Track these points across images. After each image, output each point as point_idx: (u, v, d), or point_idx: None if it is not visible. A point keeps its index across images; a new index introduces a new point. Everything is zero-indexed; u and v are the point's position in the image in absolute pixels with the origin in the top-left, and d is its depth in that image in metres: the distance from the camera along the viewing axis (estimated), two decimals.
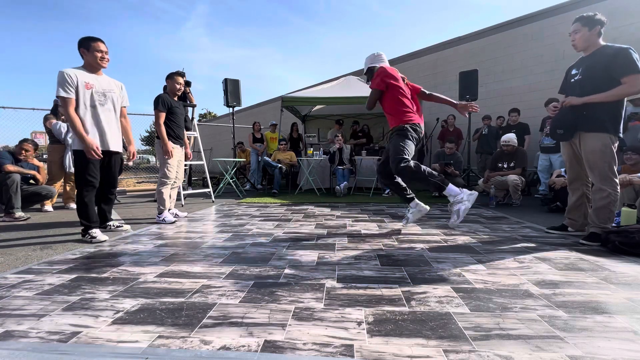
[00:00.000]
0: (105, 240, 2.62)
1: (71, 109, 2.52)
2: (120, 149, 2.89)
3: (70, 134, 4.43)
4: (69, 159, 4.50)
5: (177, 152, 3.60)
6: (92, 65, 2.67)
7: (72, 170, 4.47)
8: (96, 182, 2.71)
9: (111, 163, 2.85)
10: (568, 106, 2.44)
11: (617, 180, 2.37)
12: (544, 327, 1.20)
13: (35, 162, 4.29)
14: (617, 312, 1.31)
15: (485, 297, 1.46)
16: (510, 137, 4.56)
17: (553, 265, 1.89)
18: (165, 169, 3.50)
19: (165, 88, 3.67)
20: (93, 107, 2.64)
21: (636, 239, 2.08)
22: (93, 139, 2.61)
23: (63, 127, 4.47)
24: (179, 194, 4.54)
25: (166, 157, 3.45)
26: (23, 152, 4.12)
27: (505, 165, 4.57)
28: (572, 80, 2.51)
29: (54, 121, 4.51)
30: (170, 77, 3.59)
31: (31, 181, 4.15)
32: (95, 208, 2.82)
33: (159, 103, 3.44)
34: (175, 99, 3.67)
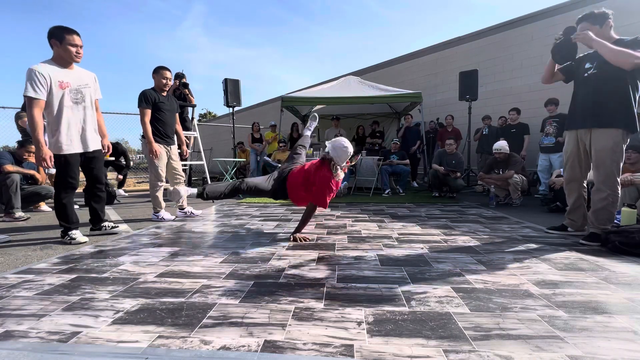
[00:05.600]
0: (85, 242, 2.54)
1: (37, 110, 2.29)
2: (99, 145, 2.74)
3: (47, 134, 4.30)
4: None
5: (164, 154, 3.41)
6: (64, 60, 2.42)
7: (52, 171, 4.39)
8: (76, 183, 2.59)
9: (93, 161, 2.71)
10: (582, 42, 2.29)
11: (619, 180, 2.36)
12: (544, 327, 1.20)
13: None
14: (617, 312, 1.31)
15: (485, 297, 1.46)
16: (502, 145, 4.47)
17: (553, 265, 1.89)
18: (155, 172, 3.37)
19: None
20: (69, 107, 2.45)
21: (636, 239, 2.08)
22: (70, 140, 2.48)
23: None
24: None
25: (151, 156, 3.29)
26: (26, 154, 4.08)
27: (500, 173, 4.54)
28: (586, 74, 2.43)
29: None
30: (156, 71, 3.39)
31: (29, 181, 4.11)
32: (79, 209, 2.73)
33: (142, 99, 3.26)
34: (164, 94, 3.44)
